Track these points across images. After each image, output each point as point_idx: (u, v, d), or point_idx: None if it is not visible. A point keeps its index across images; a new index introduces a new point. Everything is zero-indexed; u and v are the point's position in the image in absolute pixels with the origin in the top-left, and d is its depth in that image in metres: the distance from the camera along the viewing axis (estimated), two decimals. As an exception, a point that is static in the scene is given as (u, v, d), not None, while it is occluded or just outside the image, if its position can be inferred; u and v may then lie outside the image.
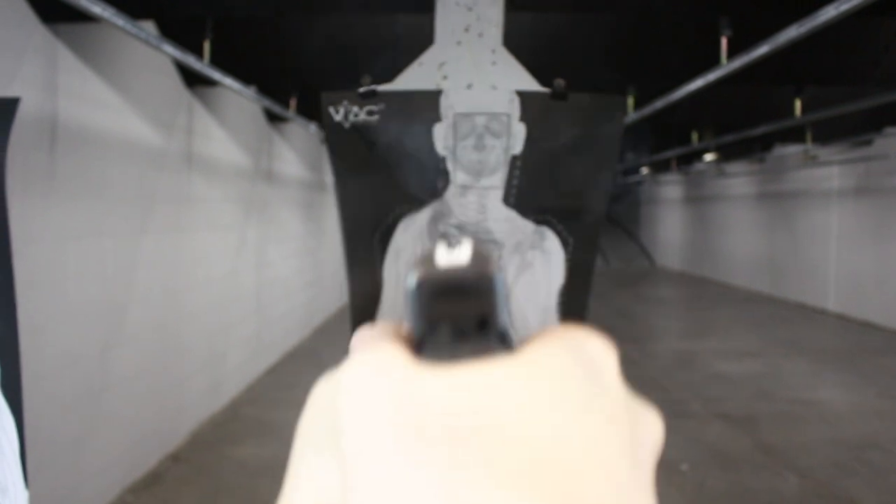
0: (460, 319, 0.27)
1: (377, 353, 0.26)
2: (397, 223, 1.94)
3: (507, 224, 1.91)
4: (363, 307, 2.02)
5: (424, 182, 1.87)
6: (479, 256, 0.27)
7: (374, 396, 0.25)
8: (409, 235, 1.95)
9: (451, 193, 1.88)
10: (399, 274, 1.98)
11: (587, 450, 0.23)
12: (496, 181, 1.87)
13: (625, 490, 0.23)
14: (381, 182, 1.85)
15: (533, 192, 1.88)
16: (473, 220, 1.89)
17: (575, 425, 0.23)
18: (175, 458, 4.79)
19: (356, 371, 0.26)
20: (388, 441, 0.23)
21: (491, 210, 1.87)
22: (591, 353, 0.27)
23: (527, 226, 1.91)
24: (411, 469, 0.22)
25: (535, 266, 1.96)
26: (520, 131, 1.82)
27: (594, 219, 1.94)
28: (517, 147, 1.84)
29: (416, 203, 1.92)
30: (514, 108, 1.80)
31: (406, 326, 0.29)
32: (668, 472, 4.31)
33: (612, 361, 0.27)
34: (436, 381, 0.24)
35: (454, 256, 0.27)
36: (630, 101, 5.27)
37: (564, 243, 1.94)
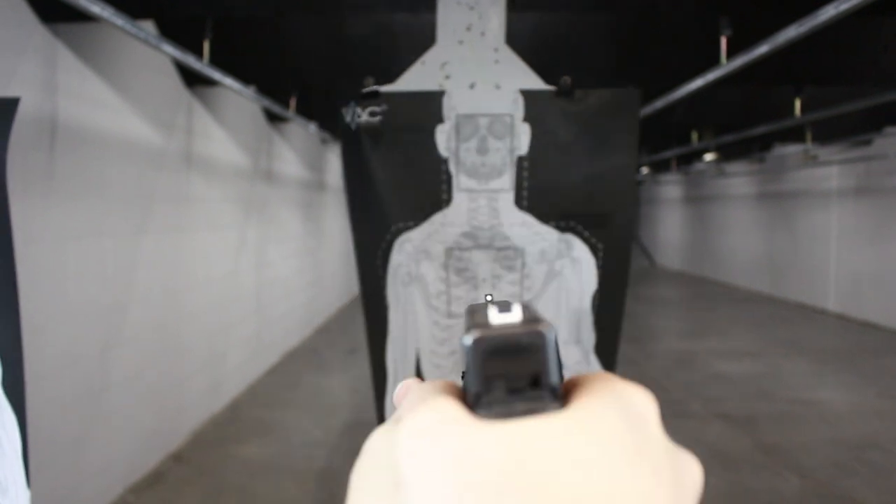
0: (514, 377, 0.28)
1: (436, 408, 0.28)
2: (394, 242, 1.94)
3: (525, 229, 1.89)
4: (377, 331, 2.02)
5: (428, 185, 1.86)
6: (531, 316, 0.29)
7: (436, 451, 0.26)
8: (404, 254, 1.94)
9: (458, 200, 1.87)
10: (398, 294, 1.97)
11: (635, 500, 0.24)
12: (505, 183, 1.86)
13: None
14: (384, 188, 1.84)
15: (546, 194, 1.87)
16: (487, 226, 1.88)
17: (623, 477, 0.24)
18: (177, 457, 4.79)
19: (417, 425, 0.28)
20: (449, 495, 0.24)
21: (504, 214, 1.86)
22: (636, 405, 0.29)
23: (550, 233, 1.88)
24: None
25: (564, 274, 1.94)
26: (524, 131, 1.81)
27: (624, 220, 1.93)
28: (522, 148, 1.83)
29: (417, 216, 1.91)
30: (518, 108, 1.79)
31: (458, 383, 0.31)
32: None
33: (654, 412, 0.29)
34: (493, 436, 0.26)
35: (507, 316, 0.29)
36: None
37: (594, 250, 1.91)
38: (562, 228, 1.92)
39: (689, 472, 0.28)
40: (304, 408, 6.04)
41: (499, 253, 1.90)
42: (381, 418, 2.10)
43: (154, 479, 4.44)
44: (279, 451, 4.90)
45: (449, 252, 1.93)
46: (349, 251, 10.01)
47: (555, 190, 1.90)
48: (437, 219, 1.92)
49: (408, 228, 1.93)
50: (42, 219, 3.34)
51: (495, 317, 0.29)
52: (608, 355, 2.09)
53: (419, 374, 2.09)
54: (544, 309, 2.03)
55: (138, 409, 4.41)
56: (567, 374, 0.30)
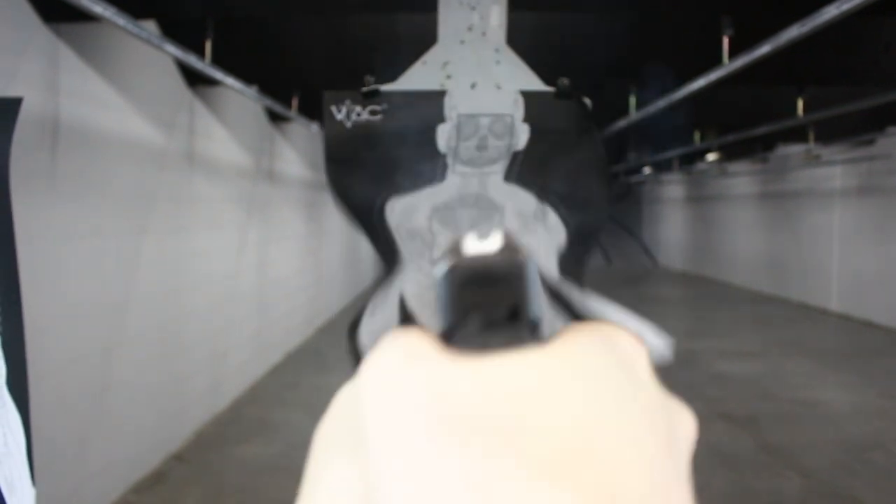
0: (491, 308, 0.26)
1: (404, 341, 0.26)
2: (384, 207, 1.97)
3: (509, 193, 1.95)
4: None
5: (423, 173, 1.88)
6: (510, 245, 0.27)
7: (403, 386, 0.24)
8: (396, 215, 1.98)
9: (451, 180, 1.90)
10: (399, 225, 2.02)
11: (623, 441, 0.22)
12: (496, 169, 1.89)
13: (662, 481, 0.23)
14: (376, 178, 1.86)
15: (533, 179, 1.91)
16: (474, 193, 1.92)
17: (610, 416, 0.23)
18: (178, 457, 4.79)
19: (383, 358, 0.25)
20: (418, 432, 0.22)
21: (491, 186, 1.91)
22: (624, 347, 0.26)
23: (529, 198, 1.95)
24: (443, 461, 0.21)
25: (538, 233, 2.02)
26: (523, 130, 1.82)
27: (595, 212, 1.97)
28: (520, 145, 1.85)
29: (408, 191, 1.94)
30: (518, 109, 1.80)
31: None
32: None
33: (643, 357, 0.27)
34: (467, 370, 0.23)
35: (484, 245, 0.27)
36: (633, 101, 5.28)
37: (566, 224, 1.99)
38: (541, 197, 1.99)
39: (682, 422, 0.26)
40: (305, 407, 6.04)
41: (481, 211, 1.97)
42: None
43: (156, 479, 4.45)
44: (281, 451, 4.90)
45: (435, 209, 1.98)
46: (351, 250, 10.08)
47: (540, 177, 1.95)
48: (428, 189, 1.96)
49: (399, 195, 1.97)
50: (44, 218, 3.34)
51: (472, 245, 0.27)
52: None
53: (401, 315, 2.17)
54: None
55: (140, 408, 4.41)
56: None
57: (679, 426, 0.26)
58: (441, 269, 0.27)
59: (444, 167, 1.86)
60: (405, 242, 2.10)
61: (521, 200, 1.98)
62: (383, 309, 2.24)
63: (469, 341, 0.25)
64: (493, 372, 0.23)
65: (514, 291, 0.26)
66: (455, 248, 0.27)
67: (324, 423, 0.27)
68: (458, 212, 2.00)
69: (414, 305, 2.16)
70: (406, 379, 0.24)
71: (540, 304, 0.27)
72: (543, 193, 1.95)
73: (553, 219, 2.02)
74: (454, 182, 1.90)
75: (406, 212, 1.98)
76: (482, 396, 0.22)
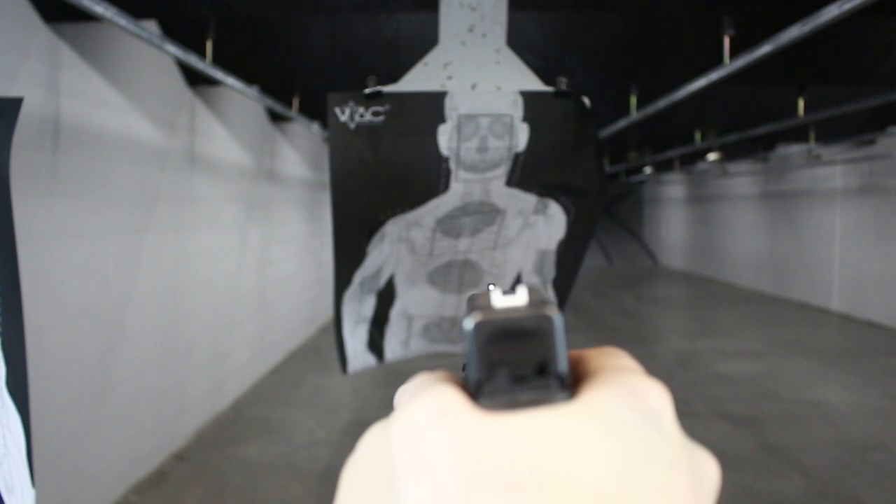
0: (519, 364, 0.26)
1: (435, 396, 0.26)
2: (386, 222, 1.99)
3: (510, 197, 2.00)
4: (346, 259, 2.08)
5: (427, 182, 1.90)
6: (537, 299, 0.27)
7: (435, 443, 0.24)
8: (395, 226, 2.00)
9: (455, 189, 1.92)
10: (382, 248, 2.05)
11: (650, 496, 0.23)
12: (499, 173, 1.91)
13: None
14: (380, 184, 1.88)
15: (534, 177, 1.96)
16: (477, 200, 1.97)
17: (637, 471, 0.23)
18: (179, 457, 4.80)
19: (413, 415, 0.26)
20: (450, 489, 0.22)
21: (494, 193, 1.96)
22: (649, 398, 0.27)
23: (530, 198, 2.02)
24: None
25: (537, 226, 2.10)
26: (523, 130, 1.84)
27: (594, 200, 2.05)
28: (520, 146, 1.86)
29: (412, 205, 1.97)
30: (518, 109, 1.81)
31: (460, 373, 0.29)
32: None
33: (669, 406, 0.27)
34: (497, 426, 0.24)
35: (511, 300, 0.28)
36: (633, 100, 5.27)
37: (567, 210, 2.06)
38: (541, 194, 2.05)
39: (706, 469, 0.26)
40: (306, 407, 6.04)
41: (483, 215, 2.04)
42: (338, 317, 2.26)
43: (157, 479, 4.45)
44: (282, 451, 4.91)
45: (439, 221, 2.04)
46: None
47: (541, 175, 2.00)
48: (433, 202, 1.99)
49: (403, 212, 2.00)
50: (44, 218, 3.35)
51: (499, 300, 0.27)
52: (563, 289, 2.36)
53: (388, 291, 2.25)
54: (514, 250, 2.23)
55: (141, 408, 4.41)
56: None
57: (704, 474, 0.26)
58: (469, 323, 0.27)
59: (448, 173, 1.87)
60: (404, 258, 2.12)
61: (521, 201, 2.03)
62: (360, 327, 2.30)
63: (498, 396, 0.26)
64: (522, 428, 0.24)
65: (541, 347, 0.26)
66: (482, 303, 0.28)
67: (354, 463, 0.27)
68: (461, 220, 2.03)
69: (400, 281, 2.22)
70: (438, 434, 0.24)
71: (567, 358, 0.27)
72: (544, 188, 1.99)
73: (554, 208, 2.07)
74: (457, 191, 1.93)
75: (407, 225, 2.01)
76: (512, 453, 0.23)
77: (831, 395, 6.39)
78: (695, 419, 5.56)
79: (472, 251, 2.18)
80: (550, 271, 2.32)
